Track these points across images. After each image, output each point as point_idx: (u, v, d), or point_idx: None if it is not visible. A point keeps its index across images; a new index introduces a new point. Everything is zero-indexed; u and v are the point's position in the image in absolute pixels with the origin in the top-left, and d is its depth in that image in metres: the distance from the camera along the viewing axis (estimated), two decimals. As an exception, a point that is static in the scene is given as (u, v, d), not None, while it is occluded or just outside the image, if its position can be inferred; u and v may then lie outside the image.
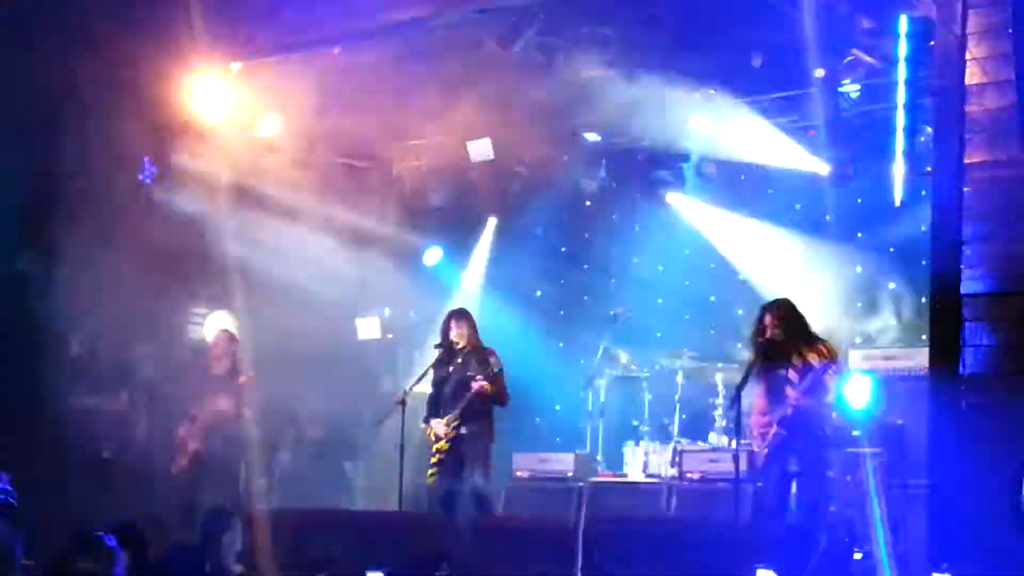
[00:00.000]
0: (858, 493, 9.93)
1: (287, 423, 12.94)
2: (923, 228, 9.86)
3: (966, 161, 9.04)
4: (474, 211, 14.67)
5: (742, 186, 13.59)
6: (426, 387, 10.87)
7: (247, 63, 12.38)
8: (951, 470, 8.77)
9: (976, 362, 8.84)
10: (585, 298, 14.52)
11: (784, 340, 9.74)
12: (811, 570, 7.97)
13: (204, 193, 12.29)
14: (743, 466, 9.84)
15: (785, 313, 9.85)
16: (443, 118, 12.70)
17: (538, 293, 14.72)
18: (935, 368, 9.10)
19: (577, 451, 12.39)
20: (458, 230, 14.75)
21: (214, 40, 11.83)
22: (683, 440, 12.17)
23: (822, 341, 9.80)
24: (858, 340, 12.26)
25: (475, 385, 10.40)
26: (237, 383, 11.44)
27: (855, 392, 10.05)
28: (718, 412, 12.25)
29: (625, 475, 12.27)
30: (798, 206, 13.30)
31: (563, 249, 14.78)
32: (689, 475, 11.45)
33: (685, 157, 13.40)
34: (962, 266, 8.93)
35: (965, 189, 9.02)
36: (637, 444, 12.39)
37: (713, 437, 12.16)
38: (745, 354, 11.02)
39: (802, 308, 9.94)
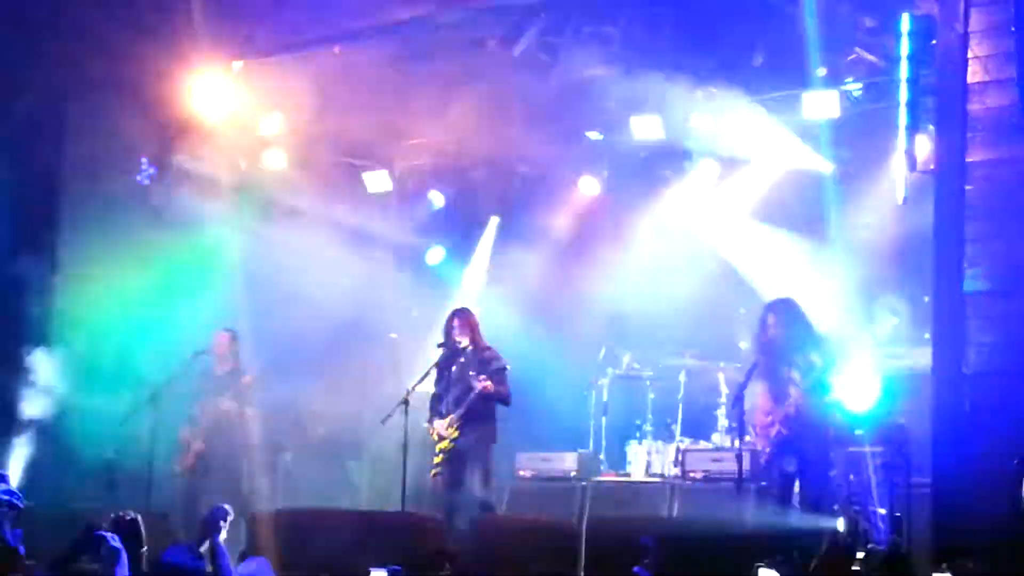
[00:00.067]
0: (861, 492, 9.93)
1: (290, 423, 12.94)
2: (925, 227, 9.84)
3: (968, 159, 9.05)
4: (476, 210, 14.66)
5: (743, 185, 13.55)
6: (429, 387, 10.84)
7: (248, 62, 12.38)
8: (953, 469, 8.77)
9: (979, 360, 8.84)
10: (587, 297, 14.48)
11: (787, 339, 9.74)
12: (814, 569, 7.97)
13: (204, 192, 12.29)
14: (746, 465, 9.85)
15: (788, 312, 9.85)
16: (444, 117, 12.69)
17: (540, 292, 14.68)
18: (937, 367, 9.10)
19: (580, 451, 12.37)
20: (460, 229, 14.73)
21: (215, 39, 11.84)
22: (686, 439, 12.15)
23: (824, 340, 9.80)
24: (860, 339, 12.23)
25: (478, 385, 10.39)
26: (240, 383, 11.46)
27: (861, 392, 10.04)
28: (721, 411, 12.22)
29: (628, 474, 12.26)
30: (800, 205, 13.26)
31: (565, 248, 14.74)
32: (692, 474, 11.44)
33: (687, 155, 13.39)
34: (964, 264, 8.93)
35: (967, 187, 9.02)
36: (640, 443, 12.38)
37: (716, 436, 12.13)
38: (748, 353, 11.04)
39: (804, 307, 9.93)
